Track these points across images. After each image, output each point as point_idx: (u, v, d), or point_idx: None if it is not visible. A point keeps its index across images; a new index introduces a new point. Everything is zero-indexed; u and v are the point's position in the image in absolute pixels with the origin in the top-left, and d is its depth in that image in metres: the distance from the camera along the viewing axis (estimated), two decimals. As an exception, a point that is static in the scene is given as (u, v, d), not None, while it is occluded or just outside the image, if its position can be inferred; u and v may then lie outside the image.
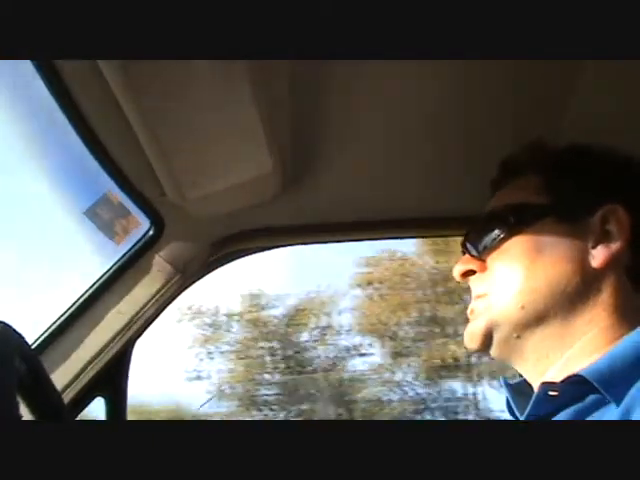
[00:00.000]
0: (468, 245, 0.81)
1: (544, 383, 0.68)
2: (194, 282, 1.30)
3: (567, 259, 0.72)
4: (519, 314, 0.72)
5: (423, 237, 1.58)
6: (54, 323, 1.15)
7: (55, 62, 0.83)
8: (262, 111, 0.90)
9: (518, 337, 0.73)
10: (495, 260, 0.77)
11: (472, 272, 0.79)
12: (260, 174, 1.05)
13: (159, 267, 1.22)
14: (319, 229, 1.29)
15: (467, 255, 0.81)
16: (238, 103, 0.88)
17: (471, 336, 0.76)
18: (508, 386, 0.78)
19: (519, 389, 0.77)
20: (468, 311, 0.78)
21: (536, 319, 0.72)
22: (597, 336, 0.70)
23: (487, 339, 0.75)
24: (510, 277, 0.74)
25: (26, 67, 0.83)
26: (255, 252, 1.34)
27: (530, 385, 0.76)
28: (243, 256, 1.34)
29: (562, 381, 0.66)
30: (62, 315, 1.16)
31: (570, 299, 0.71)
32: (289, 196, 1.16)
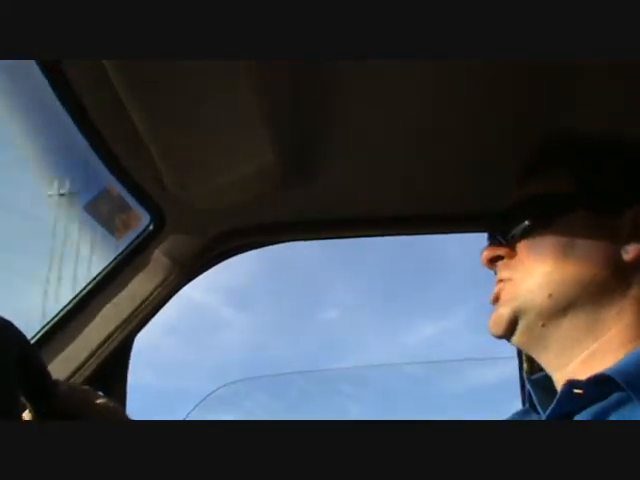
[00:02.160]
0: (496, 232, 0.81)
1: (569, 381, 0.67)
2: (195, 277, 1.30)
3: (598, 251, 0.72)
4: (546, 302, 0.72)
5: (423, 234, 1.58)
6: (54, 318, 1.15)
7: (58, 59, 0.82)
8: (264, 105, 0.90)
9: (543, 325, 0.72)
10: (524, 247, 0.76)
11: (499, 258, 0.79)
12: (261, 169, 1.04)
13: (159, 262, 1.22)
14: (320, 225, 1.29)
15: (494, 242, 0.80)
16: (239, 98, 0.87)
17: (496, 321, 0.75)
18: (530, 381, 0.78)
19: (541, 384, 0.77)
20: (491, 296, 0.78)
21: (563, 309, 0.71)
22: (623, 331, 0.69)
23: (512, 325, 0.74)
24: (539, 265, 0.73)
25: (29, 62, 0.82)
26: (256, 247, 1.34)
27: (551, 379, 0.75)
28: (244, 251, 1.34)
29: (587, 380, 0.65)
30: (62, 310, 1.16)
31: (599, 291, 0.71)
32: (290, 191, 1.16)
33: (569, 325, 0.71)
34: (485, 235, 0.83)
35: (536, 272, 0.73)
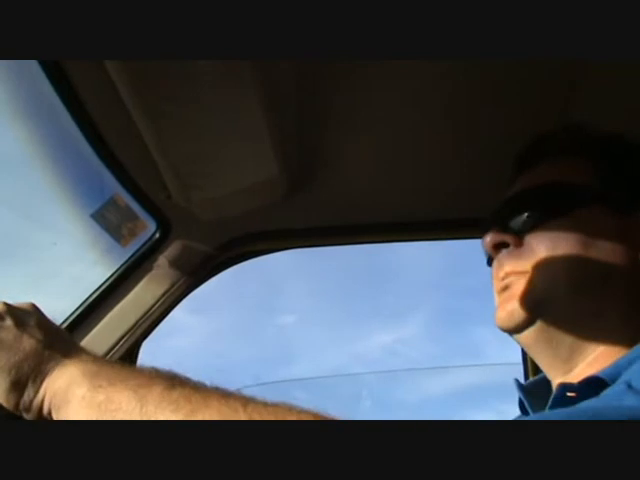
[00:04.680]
0: (502, 218, 0.76)
1: (562, 384, 0.65)
2: (200, 284, 1.31)
3: (618, 252, 0.69)
4: (565, 300, 0.69)
5: (429, 240, 1.58)
6: (61, 325, 1.16)
7: (63, 66, 0.83)
8: (268, 114, 0.90)
9: (560, 326, 0.69)
10: (538, 239, 0.72)
11: (505, 245, 0.75)
12: (266, 177, 1.05)
13: (165, 269, 1.23)
14: (326, 232, 1.30)
15: (499, 227, 0.75)
16: (244, 106, 0.88)
17: (509, 316, 0.71)
18: (520, 387, 0.76)
19: (532, 390, 0.75)
20: (501, 285, 0.74)
21: (583, 310, 0.69)
22: (630, 334, 0.67)
23: (528, 322, 0.70)
24: (558, 261, 0.69)
25: (34, 71, 0.84)
26: (261, 254, 1.35)
27: (546, 384, 0.73)
28: (249, 258, 1.34)
29: (580, 382, 0.64)
30: (69, 317, 1.17)
31: (618, 294, 0.68)
32: (295, 199, 1.17)
33: (584, 326, 0.69)
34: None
35: (554, 267, 0.70)
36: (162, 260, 1.22)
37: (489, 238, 0.75)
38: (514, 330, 0.72)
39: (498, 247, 0.75)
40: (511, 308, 0.71)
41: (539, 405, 0.71)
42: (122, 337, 1.20)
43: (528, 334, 0.71)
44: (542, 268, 0.70)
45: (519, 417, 0.78)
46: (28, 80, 0.87)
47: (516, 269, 0.72)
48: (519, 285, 0.71)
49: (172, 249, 1.22)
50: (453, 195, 1.16)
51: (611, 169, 0.73)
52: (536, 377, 0.77)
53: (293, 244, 1.34)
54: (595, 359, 0.68)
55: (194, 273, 1.26)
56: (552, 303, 0.69)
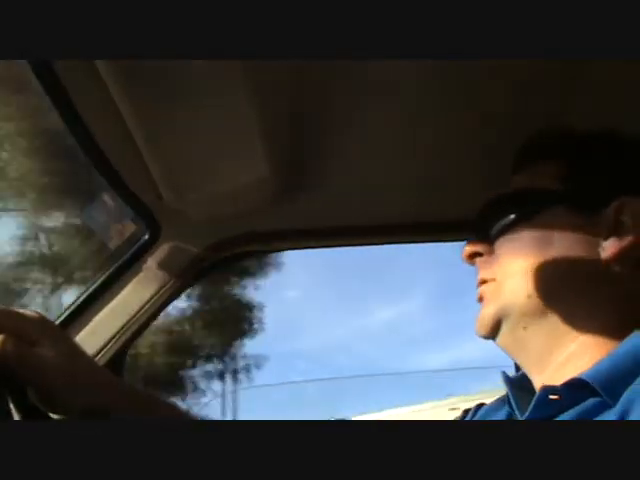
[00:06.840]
0: (478, 227, 0.79)
1: (545, 387, 0.65)
2: (190, 286, 1.30)
3: (577, 249, 0.70)
4: (526, 303, 0.70)
5: (422, 243, 1.59)
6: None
7: (53, 65, 0.82)
8: (260, 114, 0.90)
9: (524, 328, 0.71)
10: (503, 245, 0.74)
11: (479, 255, 0.77)
12: (258, 178, 1.04)
13: (155, 271, 1.22)
14: (317, 233, 1.29)
15: (476, 237, 0.78)
16: (236, 106, 0.87)
17: (481, 322, 0.74)
18: (508, 381, 0.76)
19: (519, 384, 0.75)
20: (477, 296, 0.77)
21: (542, 309, 0.70)
22: (601, 333, 0.67)
23: (496, 327, 0.73)
24: (517, 264, 0.72)
25: (23, 68, 0.82)
26: (252, 256, 1.34)
27: (530, 380, 0.74)
28: (240, 260, 1.34)
29: (563, 384, 0.64)
30: (56, 319, 1.16)
31: (577, 291, 0.69)
32: (287, 200, 1.16)
33: (548, 327, 0.70)
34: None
35: (514, 271, 0.72)
36: (151, 262, 1.21)
37: (463, 251, 0.79)
38: (488, 336, 0.75)
39: (473, 257, 0.79)
40: (482, 315, 0.74)
41: (523, 400, 0.71)
42: (109, 341, 1.18)
43: (500, 340, 0.74)
44: (504, 273, 0.73)
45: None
46: (18, 79, 0.86)
47: (486, 276, 0.76)
48: (488, 292, 0.75)
49: (161, 251, 1.21)
50: (451, 197, 1.16)
51: (576, 168, 0.74)
52: (522, 371, 0.77)
53: (285, 246, 1.33)
54: (567, 358, 0.69)
55: (184, 275, 1.25)
56: (514, 308, 0.71)
